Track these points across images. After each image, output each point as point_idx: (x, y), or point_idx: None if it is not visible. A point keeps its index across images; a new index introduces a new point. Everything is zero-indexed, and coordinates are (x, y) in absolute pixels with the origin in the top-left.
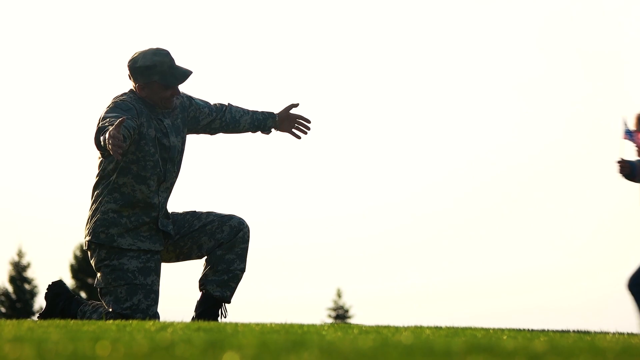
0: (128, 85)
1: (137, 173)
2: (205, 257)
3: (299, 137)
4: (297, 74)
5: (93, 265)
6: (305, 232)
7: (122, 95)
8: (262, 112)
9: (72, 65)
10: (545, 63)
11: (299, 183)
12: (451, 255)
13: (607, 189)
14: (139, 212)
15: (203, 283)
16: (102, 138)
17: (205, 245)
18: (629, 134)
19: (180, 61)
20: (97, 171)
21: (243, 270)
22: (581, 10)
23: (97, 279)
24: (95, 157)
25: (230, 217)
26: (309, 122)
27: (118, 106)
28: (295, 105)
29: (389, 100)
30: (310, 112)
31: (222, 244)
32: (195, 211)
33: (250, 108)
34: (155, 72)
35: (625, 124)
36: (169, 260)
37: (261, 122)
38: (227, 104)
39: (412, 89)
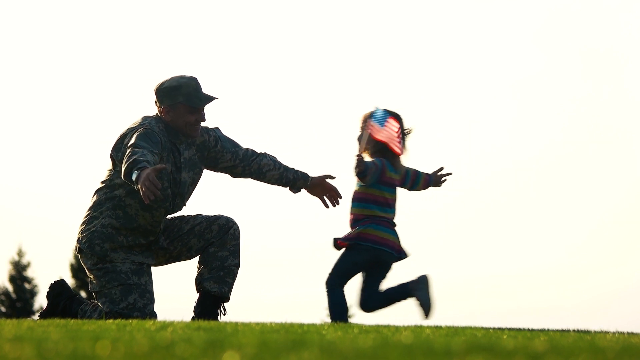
0: (127, 93)
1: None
2: (198, 257)
3: (327, 206)
4: (297, 74)
5: (86, 267)
6: (305, 231)
7: (149, 120)
8: (295, 172)
9: (73, 65)
10: (542, 60)
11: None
12: (450, 254)
13: (607, 188)
14: (138, 235)
15: (199, 282)
16: (135, 174)
17: (194, 247)
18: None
19: (189, 67)
20: (103, 177)
21: (237, 265)
22: (580, 7)
23: (92, 283)
24: (95, 159)
25: (218, 217)
26: (340, 197)
27: (148, 136)
28: (332, 177)
29: (384, 99)
30: (308, 111)
31: (212, 243)
32: (182, 215)
33: (286, 164)
34: (181, 93)
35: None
36: (159, 264)
37: (290, 182)
38: (260, 152)
39: (405, 87)
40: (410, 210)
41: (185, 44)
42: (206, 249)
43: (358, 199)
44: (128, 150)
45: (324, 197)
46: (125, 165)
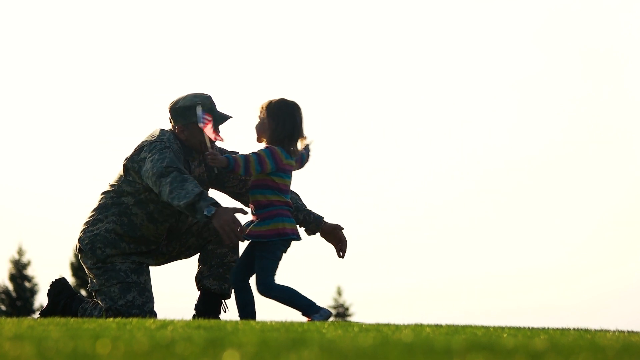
0: (128, 94)
1: (152, 213)
2: (198, 255)
3: (339, 255)
4: (296, 74)
5: (85, 266)
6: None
7: (168, 136)
8: (308, 214)
9: (74, 66)
10: (543, 60)
11: (298, 180)
12: (451, 253)
13: (607, 187)
14: (140, 243)
15: (199, 280)
16: (211, 210)
17: (193, 245)
18: (202, 121)
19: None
20: (112, 181)
21: (237, 261)
22: (580, 7)
23: (91, 282)
24: (96, 159)
25: None
26: (345, 251)
27: (176, 155)
28: (342, 228)
29: (385, 99)
30: (309, 111)
31: (210, 241)
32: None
33: (304, 204)
34: (194, 113)
35: (199, 111)
36: (158, 264)
37: (300, 222)
38: None
39: (408, 87)
40: (410, 209)
41: (186, 46)
42: (205, 246)
43: (259, 186)
44: (172, 173)
45: (338, 246)
46: (189, 197)
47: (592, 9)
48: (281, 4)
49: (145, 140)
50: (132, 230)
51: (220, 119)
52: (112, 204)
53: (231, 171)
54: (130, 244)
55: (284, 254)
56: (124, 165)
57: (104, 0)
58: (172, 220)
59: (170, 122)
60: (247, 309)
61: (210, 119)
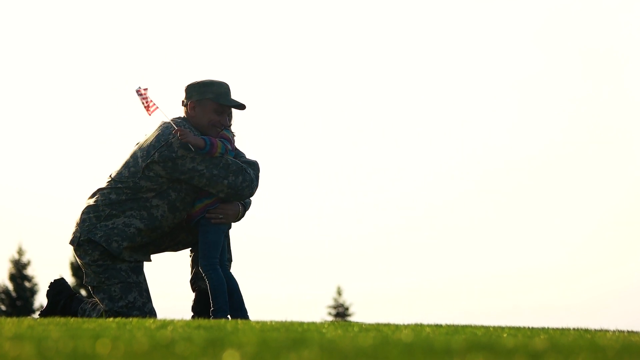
0: (128, 94)
1: (174, 202)
2: (192, 257)
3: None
4: (297, 74)
5: (83, 261)
6: (306, 230)
7: (185, 125)
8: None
9: (73, 66)
10: (543, 60)
11: (299, 180)
12: (451, 253)
13: (607, 187)
14: (153, 236)
15: (194, 282)
16: None
17: (183, 241)
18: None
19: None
20: (115, 176)
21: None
22: (580, 7)
23: (89, 277)
24: (95, 159)
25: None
26: (216, 219)
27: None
28: (237, 214)
29: (385, 99)
30: (310, 109)
31: None
32: None
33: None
34: (211, 90)
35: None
36: (148, 258)
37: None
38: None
39: (408, 87)
40: (410, 209)
41: (186, 46)
42: (197, 245)
43: None
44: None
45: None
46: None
47: (592, 9)
48: (282, 3)
49: (168, 132)
50: (152, 223)
51: (233, 102)
52: (126, 199)
53: (206, 154)
54: (144, 237)
55: (229, 229)
56: (151, 161)
57: (104, 0)
58: (189, 208)
59: (183, 104)
60: (233, 297)
61: (145, 91)
